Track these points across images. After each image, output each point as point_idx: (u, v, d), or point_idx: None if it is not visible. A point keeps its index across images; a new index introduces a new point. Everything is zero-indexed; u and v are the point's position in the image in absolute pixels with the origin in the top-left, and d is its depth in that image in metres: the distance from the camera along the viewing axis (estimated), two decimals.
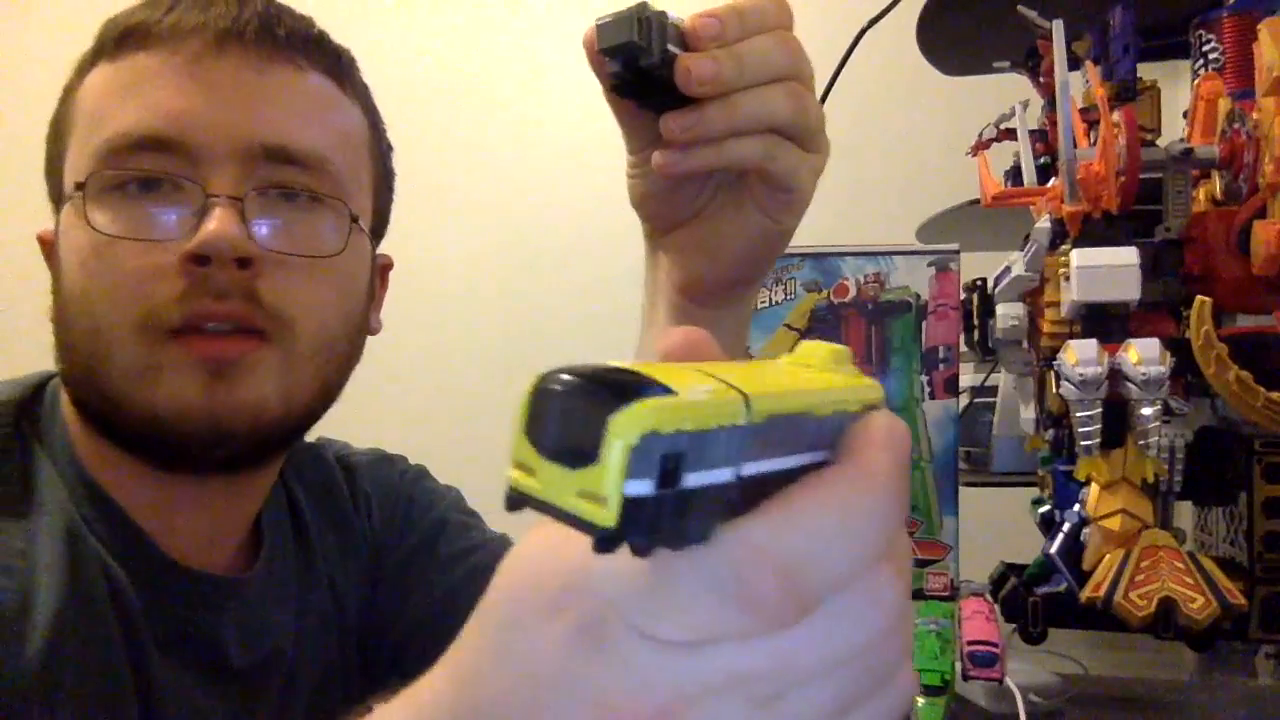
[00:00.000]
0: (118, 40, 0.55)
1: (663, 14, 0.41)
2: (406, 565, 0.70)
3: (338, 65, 0.59)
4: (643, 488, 0.19)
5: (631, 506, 0.19)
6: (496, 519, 0.77)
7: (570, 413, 0.19)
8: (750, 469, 0.21)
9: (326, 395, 0.59)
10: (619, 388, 0.19)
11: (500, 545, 0.72)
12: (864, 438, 0.24)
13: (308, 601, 0.65)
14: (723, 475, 0.21)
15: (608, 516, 0.19)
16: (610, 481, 0.18)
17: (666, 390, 0.19)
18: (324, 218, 0.57)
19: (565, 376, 0.20)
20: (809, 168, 0.48)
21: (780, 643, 0.22)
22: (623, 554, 0.20)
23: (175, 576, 0.56)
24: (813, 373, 0.26)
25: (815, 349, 0.27)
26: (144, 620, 0.53)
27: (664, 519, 0.20)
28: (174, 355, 0.51)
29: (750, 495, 0.22)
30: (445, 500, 0.75)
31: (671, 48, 0.41)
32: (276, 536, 0.64)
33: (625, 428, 0.18)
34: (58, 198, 0.57)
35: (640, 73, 0.41)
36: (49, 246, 0.57)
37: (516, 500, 0.21)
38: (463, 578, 0.69)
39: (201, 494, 0.57)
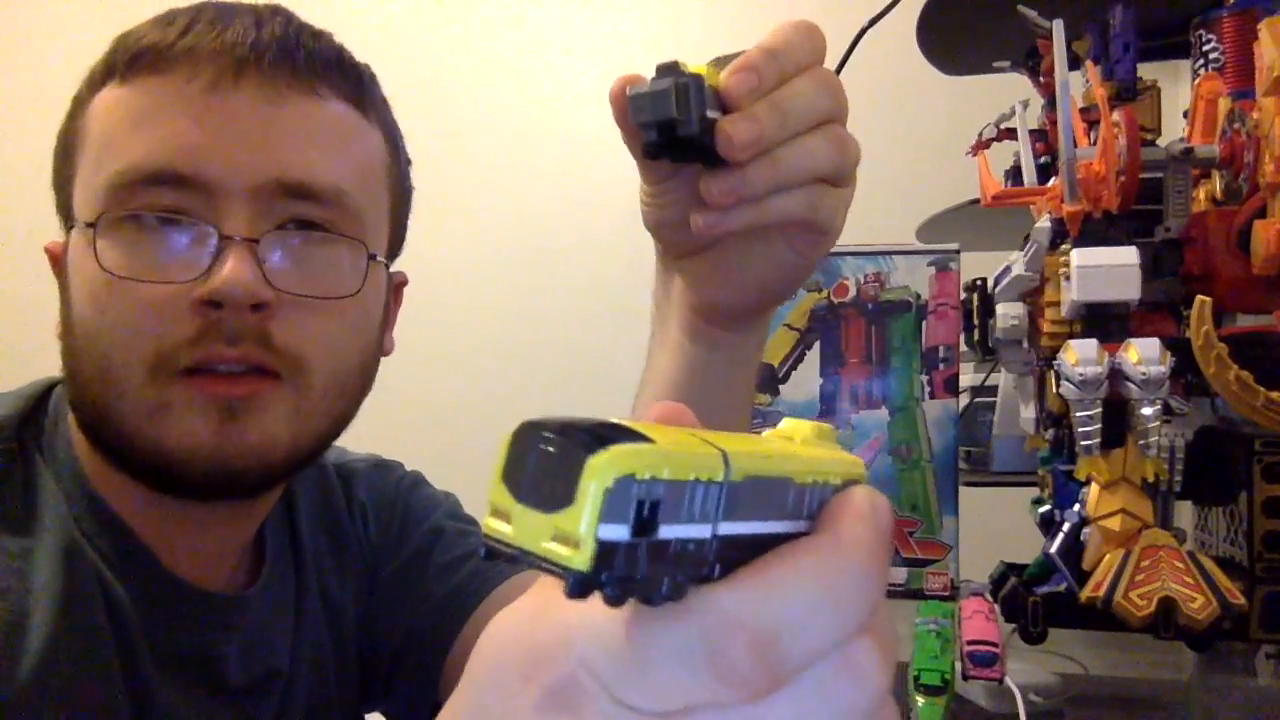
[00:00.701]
0: (129, 62, 0.53)
1: (699, 79, 0.38)
2: (403, 575, 0.70)
3: (359, 88, 0.57)
4: (617, 532, 0.19)
5: (605, 551, 0.19)
6: None
7: (548, 456, 0.19)
8: (727, 529, 0.21)
9: (338, 427, 0.58)
10: (598, 433, 0.19)
11: None
12: (844, 509, 0.24)
13: (303, 614, 0.65)
14: (700, 531, 0.20)
15: (581, 560, 0.18)
16: (585, 523, 0.18)
17: (645, 439, 0.19)
18: (340, 255, 0.55)
19: (544, 422, 0.20)
20: (845, 204, 0.47)
21: (754, 712, 0.21)
22: (597, 614, 0.20)
23: (179, 595, 0.56)
24: (796, 446, 0.26)
25: (799, 426, 0.27)
26: (144, 640, 0.53)
27: (638, 568, 0.19)
28: (185, 394, 0.51)
29: (726, 560, 0.22)
30: (441, 508, 0.74)
31: (710, 113, 0.38)
32: (277, 550, 0.64)
33: (602, 470, 0.18)
34: (66, 214, 0.55)
35: (676, 139, 0.38)
36: (58, 261, 0.56)
37: (491, 550, 0.20)
38: (457, 586, 0.68)
39: (206, 517, 0.57)
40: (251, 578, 0.62)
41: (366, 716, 0.73)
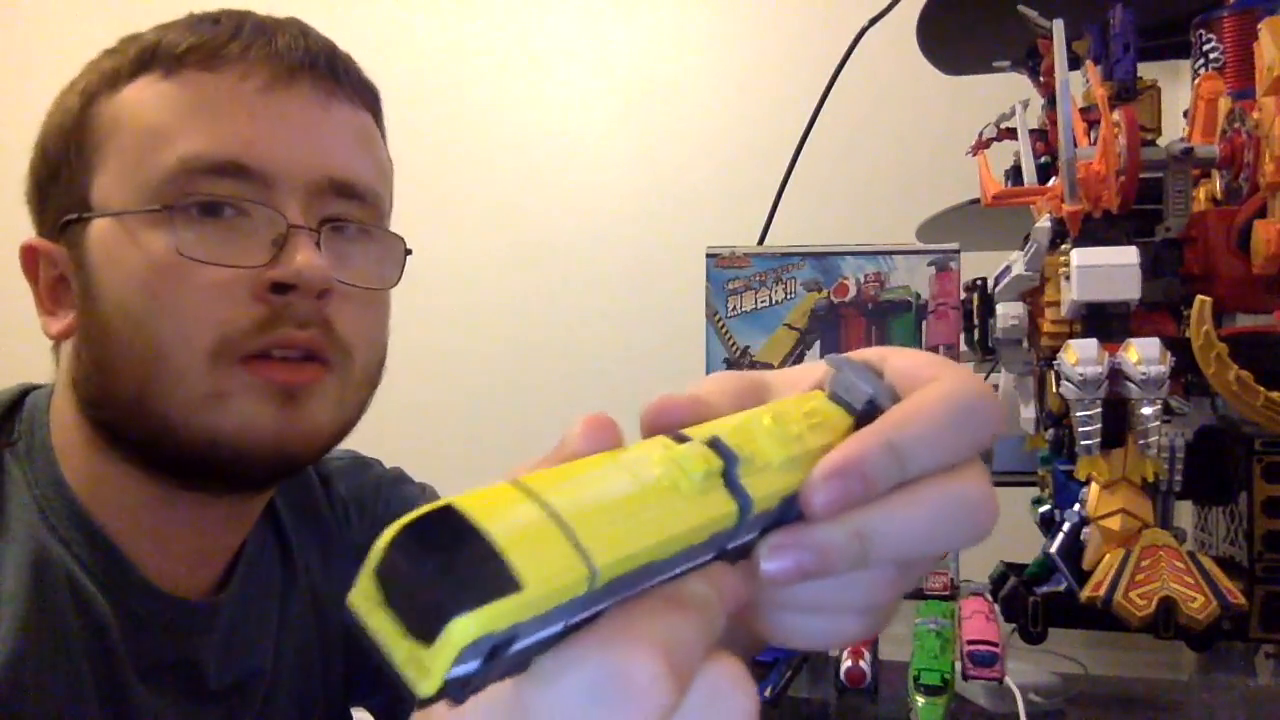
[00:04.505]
0: (177, 57, 0.54)
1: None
2: None
3: (376, 101, 0.61)
4: (467, 669, 0.20)
5: (453, 682, 0.20)
6: None
7: (422, 584, 0.20)
8: (584, 616, 0.22)
9: (360, 417, 0.60)
10: (469, 580, 0.19)
11: None
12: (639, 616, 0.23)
13: (288, 616, 0.65)
14: (553, 629, 0.21)
15: (427, 688, 0.20)
16: (437, 668, 0.19)
17: (515, 586, 0.20)
18: (383, 249, 0.59)
19: (421, 545, 0.20)
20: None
21: None
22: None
23: (158, 603, 0.56)
24: (792, 428, 0.27)
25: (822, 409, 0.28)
26: (122, 648, 0.53)
27: (486, 682, 0.21)
28: (244, 381, 0.52)
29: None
30: (421, 501, 0.74)
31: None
32: (257, 553, 0.64)
33: (462, 633, 0.19)
34: (66, 208, 0.55)
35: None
36: (36, 260, 0.56)
37: (352, 619, 0.21)
38: None
39: (203, 516, 0.57)
40: (228, 579, 0.61)
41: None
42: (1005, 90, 0.99)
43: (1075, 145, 0.75)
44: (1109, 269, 0.72)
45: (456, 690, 0.20)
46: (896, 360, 0.30)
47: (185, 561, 0.58)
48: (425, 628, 0.19)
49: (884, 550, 0.27)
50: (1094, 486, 0.74)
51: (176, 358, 0.51)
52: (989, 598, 0.86)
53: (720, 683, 0.24)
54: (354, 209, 0.57)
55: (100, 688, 0.52)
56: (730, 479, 0.25)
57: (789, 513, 0.27)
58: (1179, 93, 1.01)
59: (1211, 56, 0.83)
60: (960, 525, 0.28)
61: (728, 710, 0.24)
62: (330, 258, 0.54)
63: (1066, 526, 0.76)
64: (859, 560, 0.27)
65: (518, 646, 0.21)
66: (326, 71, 0.56)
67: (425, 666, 0.19)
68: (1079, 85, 0.84)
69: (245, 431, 0.52)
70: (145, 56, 0.55)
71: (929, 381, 0.29)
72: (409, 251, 0.61)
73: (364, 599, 0.20)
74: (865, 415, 0.29)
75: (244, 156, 0.52)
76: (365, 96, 0.60)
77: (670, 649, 0.22)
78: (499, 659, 0.20)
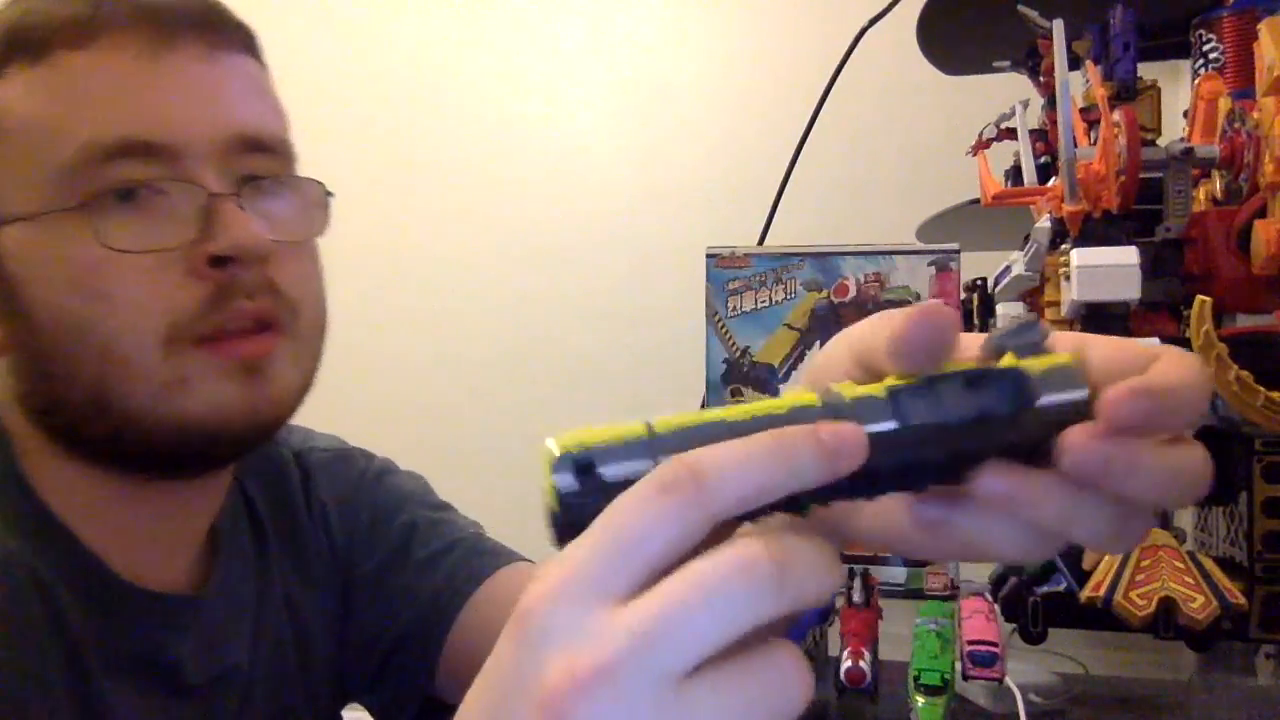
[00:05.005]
0: (43, 39, 0.50)
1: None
2: (382, 576, 0.69)
3: (253, 41, 0.57)
4: (565, 481, 0.28)
5: (564, 495, 0.28)
6: (500, 520, 0.77)
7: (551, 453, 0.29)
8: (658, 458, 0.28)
9: (318, 366, 0.58)
10: (567, 435, 0.29)
11: (474, 541, 0.71)
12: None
13: (263, 616, 0.63)
14: (642, 466, 0.28)
15: (548, 502, 0.28)
16: (545, 482, 0.28)
17: (591, 434, 0.29)
18: (300, 199, 0.56)
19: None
20: None
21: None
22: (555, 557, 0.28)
23: (130, 600, 0.54)
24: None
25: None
26: (94, 647, 0.52)
27: (591, 496, 0.28)
28: (203, 363, 0.50)
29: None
30: (412, 498, 0.73)
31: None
32: (233, 544, 0.62)
33: (548, 450, 0.28)
34: None
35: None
36: None
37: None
38: (444, 581, 0.68)
39: (171, 502, 0.56)
40: (207, 574, 0.60)
41: (349, 711, 0.72)
42: (1005, 90, 0.99)
43: (1075, 145, 0.75)
44: (1109, 269, 0.72)
45: (570, 501, 0.28)
46: (1099, 342, 0.31)
47: (156, 552, 0.56)
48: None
49: (1141, 483, 0.28)
50: None
51: (129, 353, 0.49)
52: (989, 598, 0.86)
53: (783, 660, 0.27)
54: (267, 161, 0.54)
55: (71, 688, 0.51)
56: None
57: (885, 416, 0.29)
58: (1179, 93, 1.01)
59: (1211, 56, 0.83)
60: (1191, 486, 0.30)
61: (786, 685, 0.27)
62: (265, 216, 0.52)
63: None
64: (1131, 481, 0.28)
65: (606, 471, 0.28)
66: (205, 22, 0.52)
67: (542, 487, 0.28)
68: (1079, 85, 0.85)
69: (214, 413, 0.50)
70: (6, 45, 0.51)
71: (1149, 355, 0.30)
72: (330, 194, 0.57)
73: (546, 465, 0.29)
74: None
75: (143, 133, 0.49)
76: (246, 40, 0.55)
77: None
78: (592, 477, 0.28)
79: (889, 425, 0.29)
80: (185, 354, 0.50)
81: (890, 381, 0.30)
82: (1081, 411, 0.29)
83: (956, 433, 0.29)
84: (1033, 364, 0.30)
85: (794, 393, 0.30)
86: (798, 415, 0.29)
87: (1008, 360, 0.30)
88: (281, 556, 0.66)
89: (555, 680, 0.25)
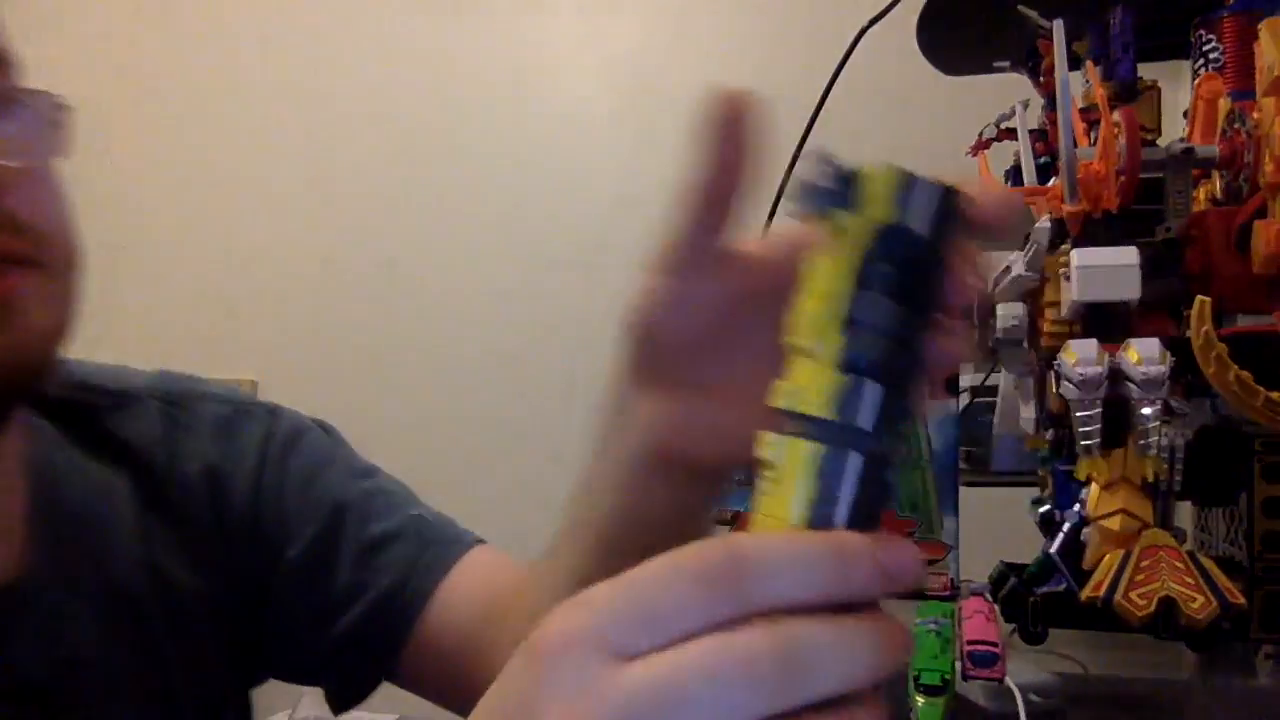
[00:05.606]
0: None
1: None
2: (313, 564, 0.63)
3: None
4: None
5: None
6: (500, 519, 0.76)
7: None
8: None
9: (80, 298, 0.51)
10: None
11: (419, 524, 0.65)
12: None
13: (117, 594, 0.57)
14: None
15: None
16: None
17: None
18: (30, 114, 0.49)
19: None
20: None
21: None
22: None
23: None
24: None
25: None
26: None
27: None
28: None
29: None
30: (333, 465, 0.66)
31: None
32: (58, 513, 0.56)
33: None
34: None
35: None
36: None
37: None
38: (399, 577, 0.62)
39: None
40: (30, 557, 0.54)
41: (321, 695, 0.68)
42: (1005, 90, 0.99)
43: (1075, 145, 0.75)
44: (1109, 269, 0.72)
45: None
46: None
47: None
48: None
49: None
50: (1094, 487, 0.74)
51: None
52: (989, 598, 0.86)
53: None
54: None
55: None
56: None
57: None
58: (1179, 93, 1.01)
59: (1211, 57, 0.83)
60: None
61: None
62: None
63: (1066, 526, 0.76)
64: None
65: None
66: None
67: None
68: (1079, 85, 0.84)
69: None
70: None
71: None
72: (65, 106, 0.50)
73: None
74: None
75: None
76: None
77: None
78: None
79: (876, 390, 0.29)
80: None
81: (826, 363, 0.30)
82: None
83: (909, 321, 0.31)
84: (881, 209, 0.32)
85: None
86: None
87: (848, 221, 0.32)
88: (150, 534, 0.59)
89: None
